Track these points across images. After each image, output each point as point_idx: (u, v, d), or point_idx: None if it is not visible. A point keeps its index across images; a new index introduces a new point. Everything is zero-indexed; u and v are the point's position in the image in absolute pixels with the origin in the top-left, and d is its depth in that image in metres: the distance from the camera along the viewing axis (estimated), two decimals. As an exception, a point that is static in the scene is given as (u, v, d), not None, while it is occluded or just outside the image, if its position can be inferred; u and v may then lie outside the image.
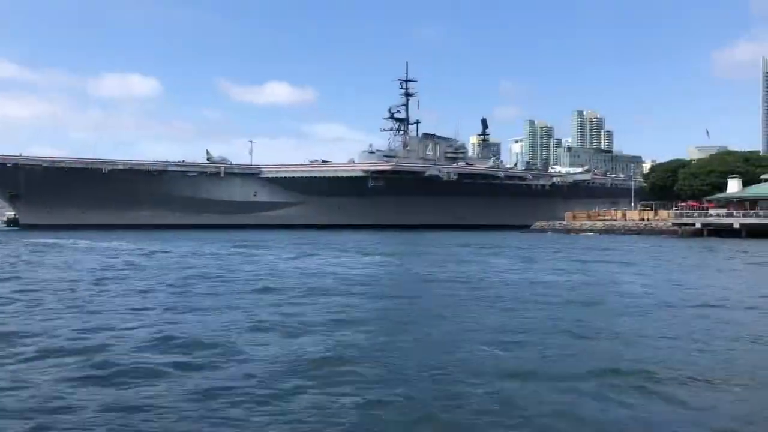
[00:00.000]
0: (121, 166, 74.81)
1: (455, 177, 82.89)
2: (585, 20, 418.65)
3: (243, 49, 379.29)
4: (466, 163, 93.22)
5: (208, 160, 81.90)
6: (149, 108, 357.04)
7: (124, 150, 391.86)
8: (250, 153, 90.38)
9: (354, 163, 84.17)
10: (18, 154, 72.89)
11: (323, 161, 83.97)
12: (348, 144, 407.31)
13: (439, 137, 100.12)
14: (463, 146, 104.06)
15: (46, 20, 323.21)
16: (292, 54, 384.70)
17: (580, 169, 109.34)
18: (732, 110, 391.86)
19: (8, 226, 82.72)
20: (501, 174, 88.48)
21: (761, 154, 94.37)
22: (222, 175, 79.19)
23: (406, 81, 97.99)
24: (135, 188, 75.35)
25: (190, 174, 78.31)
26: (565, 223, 70.16)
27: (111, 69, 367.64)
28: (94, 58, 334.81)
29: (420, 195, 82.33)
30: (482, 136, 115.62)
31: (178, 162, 79.19)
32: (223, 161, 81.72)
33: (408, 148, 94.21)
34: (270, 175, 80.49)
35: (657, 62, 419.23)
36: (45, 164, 71.44)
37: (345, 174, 78.66)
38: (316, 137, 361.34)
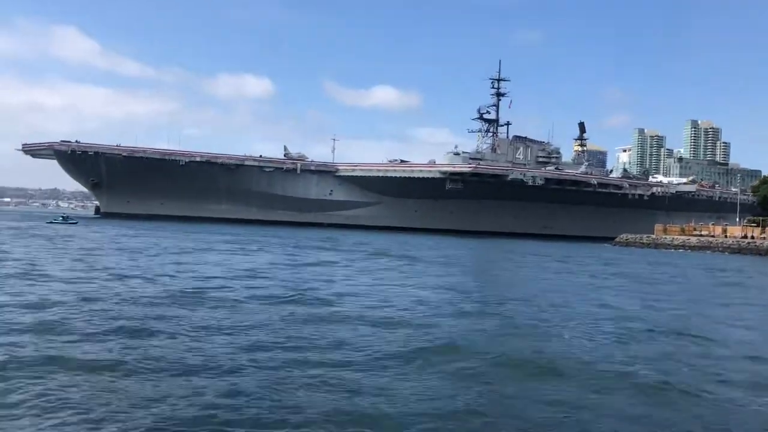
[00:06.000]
0: (198, 158, 74.77)
1: (542, 182, 77.02)
2: (699, 30, 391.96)
3: (351, 53, 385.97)
4: (556, 168, 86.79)
5: (285, 155, 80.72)
6: (260, 108, 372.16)
7: (232, 147, 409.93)
8: (333, 151, 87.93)
9: (434, 163, 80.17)
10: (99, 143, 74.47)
11: (402, 161, 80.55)
12: (451, 148, 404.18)
13: (530, 140, 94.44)
14: (557, 150, 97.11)
15: (167, 21, 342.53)
16: (398, 58, 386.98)
17: (684, 180, 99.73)
18: None
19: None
20: (593, 181, 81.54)
21: None
22: (298, 171, 77.69)
23: (498, 80, 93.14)
24: (213, 181, 75.26)
25: (267, 169, 77.33)
26: (653, 237, 62.51)
27: (225, 69, 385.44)
28: (209, 58, 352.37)
29: (503, 200, 77.23)
30: (579, 141, 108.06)
31: (256, 157, 78.46)
32: (301, 158, 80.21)
33: (498, 151, 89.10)
34: (346, 174, 78.14)
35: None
36: (124, 153, 72.31)
37: (422, 175, 74.69)
38: (419, 141, 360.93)
